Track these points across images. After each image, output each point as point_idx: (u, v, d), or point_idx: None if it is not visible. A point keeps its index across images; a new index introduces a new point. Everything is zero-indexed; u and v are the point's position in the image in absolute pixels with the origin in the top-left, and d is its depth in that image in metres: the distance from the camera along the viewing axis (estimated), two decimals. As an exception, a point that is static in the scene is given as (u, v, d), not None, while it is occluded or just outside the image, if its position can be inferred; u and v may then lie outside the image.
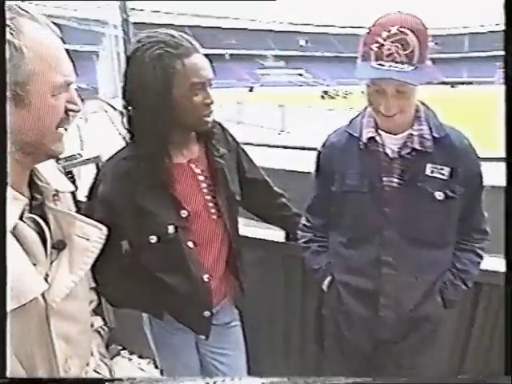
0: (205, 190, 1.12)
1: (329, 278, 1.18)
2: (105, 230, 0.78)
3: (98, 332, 0.91)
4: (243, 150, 1.29)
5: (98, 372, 0.78)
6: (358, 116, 1.13)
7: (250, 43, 73.08)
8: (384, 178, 1.05)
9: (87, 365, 0.75)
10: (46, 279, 0.64)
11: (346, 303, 1.14)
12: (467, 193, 1.03)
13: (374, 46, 0.92)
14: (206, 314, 1.13)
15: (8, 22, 0.57)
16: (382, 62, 0.91)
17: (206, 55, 1.02)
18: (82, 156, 2.07)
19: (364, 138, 1.06)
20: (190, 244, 1.08)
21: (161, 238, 1.04)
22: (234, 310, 1.32)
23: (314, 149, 1.22)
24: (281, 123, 13.36)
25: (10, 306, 0.57)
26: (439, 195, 1.02)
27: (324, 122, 9.68)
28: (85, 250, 0.72)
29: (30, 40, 0.59)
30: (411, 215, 1.04)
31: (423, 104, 1.07)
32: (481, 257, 1.10)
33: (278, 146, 4.69)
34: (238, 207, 1.24)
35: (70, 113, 0.67)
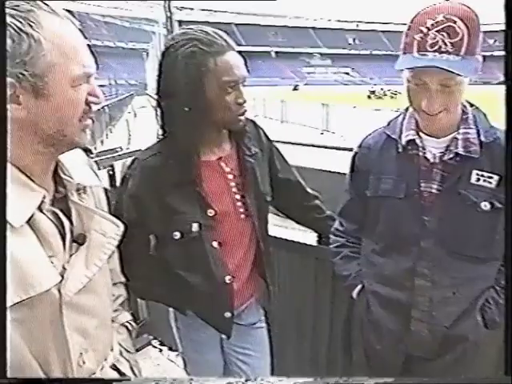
0: (234, 189, 1.11)
1: (359, 287, 1.12)
2: (122, 226, 0.77)
3: (126, 327, 0.91)
4: (277, 149, 1.27)
5: (116, 367, 0.78)
6: (398, 117, 1.06)
7: (297, 41, 72.53)
8: (422, 184, 0.98)
9: (105, 360, 0.75)
10: (62, 272, 0.64)
11: (375, 313, 1.08)
12: None
13: (418, 36, 0.85)
14: (227, 314, 1.12)
15: (25, 14, 0.57)
16: (425, 52, 0.84)
17: (251, 52, 1.01)
18: (122, 149, 2.13)
19: (403, 141, 1.00)
20: (215, 244, 1.07)
21: (184, 236, 1.04)
22: (260, 310, 1.30)
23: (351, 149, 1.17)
24: (324, 123, 13.16)
25: (18, 296, 0.57)
26: (485, 205, 0.93)
27: (369, 122, 9.39)
28: (101, 246, 0.72)
29: (50, 32, 0.59)
30: (452, 225, 0.96)
31: (471, 105, 0.99)
32: None
33: (316, 146, 4.61)
34: (267, 207, 1.22)
35: (92, 105, 0.67)
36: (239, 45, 0.98)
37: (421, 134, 0.98)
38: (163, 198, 1.03)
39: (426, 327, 1.00)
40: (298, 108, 15.52)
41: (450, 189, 0.95)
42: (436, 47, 0.83)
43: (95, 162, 1.19)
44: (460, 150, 0.94)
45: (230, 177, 1.10)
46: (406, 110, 1.04)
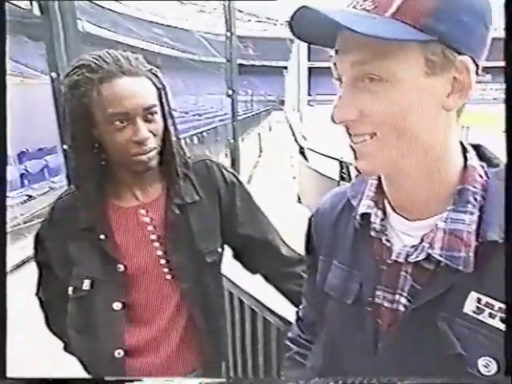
0: (155, 244, 0.89)
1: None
2: None
3: None
4: (244, 198, 1.00)
5: None
6: None
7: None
8: (378, 293, 0.59)
9: None
10: None
11: None
12: None
13: None
14: None
15: None
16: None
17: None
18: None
19: (358, 213, 0.62)
20: (117, 306, 0.87)
21: (75, 292, 0.88)
22: None
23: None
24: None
25: None
26: (485, 365, 0.47)
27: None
28: None
29: None
30: (413, 372, 0.56)
31: (489, 162, 0.54)
32: None
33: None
34: (212, 269, 0.97)
35: None
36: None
37: (387, 206, 0.59)
38: (65, 245, 0.88)
39: None
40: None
41: (421, 312, 0.53)
42: (352, 5, 0.48)
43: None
44: (435, 252, 0.51)
45: (150, 228, 0.89)
46: None
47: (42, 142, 7.10)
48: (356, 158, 0.53)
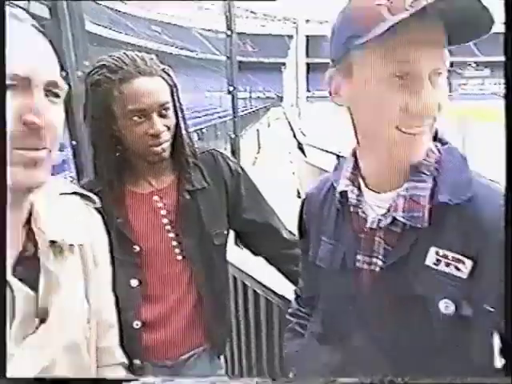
0: (167, 227, 0.99)
1: (291, 375, 0.87)
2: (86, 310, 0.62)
3: None
4: (248, 185, 1.09)
5: None
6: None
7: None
8: (358, 257, 0.69)
9: None
10: None
11: None
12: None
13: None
14: (136, 361, 0.98)
15: None
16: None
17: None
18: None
19: (336, 192, 0.73)
20: (134, 282, 0.97)
21: None
22: (215, 360, 1.13)
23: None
24: (460, 142, 11.52)
25: None
26: (446, 306, 0.59)
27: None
28: (59, 330, 0.54)
29: None
30: (388, 324, 0.65)
31: (438, 139, 0.66)
32: None
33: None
34: (219, 251, 1.06)
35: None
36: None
37: (361, 184, 0.70)
38: None
39: None
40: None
41: (391, 269, 0.64)
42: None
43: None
44: (399, 215, 0.62)
45: (163, 213, 0.99)
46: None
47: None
48: (400, 146, 0.60)
